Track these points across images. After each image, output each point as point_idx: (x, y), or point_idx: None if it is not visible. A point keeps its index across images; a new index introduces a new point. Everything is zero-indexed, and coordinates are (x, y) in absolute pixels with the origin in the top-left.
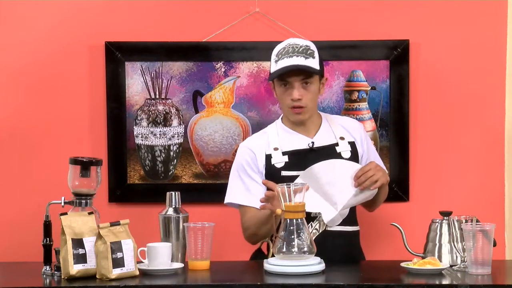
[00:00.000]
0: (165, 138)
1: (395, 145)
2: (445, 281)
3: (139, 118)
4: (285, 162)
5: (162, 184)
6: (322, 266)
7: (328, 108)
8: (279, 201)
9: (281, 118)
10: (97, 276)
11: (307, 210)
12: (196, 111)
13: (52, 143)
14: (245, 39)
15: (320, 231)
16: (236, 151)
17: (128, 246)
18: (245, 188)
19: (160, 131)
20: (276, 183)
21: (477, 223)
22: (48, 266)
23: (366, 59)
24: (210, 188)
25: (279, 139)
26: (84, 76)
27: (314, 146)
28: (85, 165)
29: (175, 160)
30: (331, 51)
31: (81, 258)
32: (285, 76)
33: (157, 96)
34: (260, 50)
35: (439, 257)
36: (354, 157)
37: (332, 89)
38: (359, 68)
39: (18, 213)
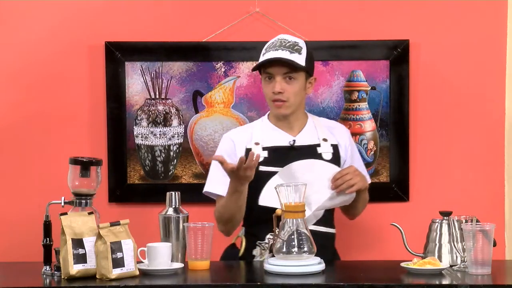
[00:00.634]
0: (165, 138)
1: (395, 145)
2: (445, 281)
3: (139, 118)
4: (264, 157)
5: (162, 184)
6: (322, 266)
7: (328, 108)
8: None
9: (267, 115)
10: (97, 276)
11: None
12: (196, 111)
13: (52, 143)
14: (245, 39)
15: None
16: None
17: (128, 246)
18: (222, 179)
19: (160, 131)
20: (254, 178)
21: (477, 223)
22: (48, 266)
23: (366, 59)
24: None
25: (261, 134)
26: (84, 76)
27: (295, 144)
28: (85, 165)
29: (175, 160)
30: (331, 51)
31: (81, 258)
32: (268, 67)
33: (157, 96)
34: (260, 50)
35: (439, 257)
36: (336, 160)
37: (332, 89)
38: (359, 68)
39: (18, 213)
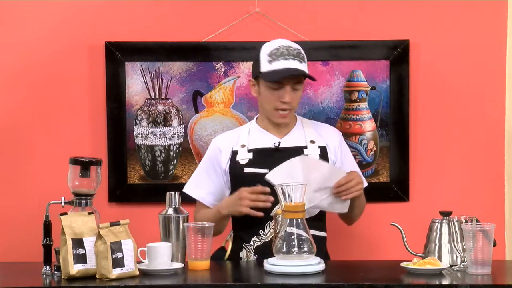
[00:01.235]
0: (165, 138)
1: (395, 145)
2: (445, 281)
3: (139, 118)
4: (249, 159)
5: (162, 184)
6: (322, 266)
7: (328, 108)
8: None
9: (256, 118)
10: (97, 276)
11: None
12: (196, 111)
13: (52, 143)
14: (245, 39)
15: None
16: None
17: (128, 246)
18: (201, 183)
19: (160, 131)
20: (239, 180)
21: (477, 223)
22: (48, 266)
23: (366, 59)
24: None
25: (248, 137)
26: (84, 76)
27: (280, 146)
28: (85, 165)
29: (175, 160)
30: (331, 51)
31: (81, 258)
32: (282, 78)
33: (157, 96)
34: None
35: (439, 257)
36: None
37: (332, 89)
38: (359, 68)
39: (18, 213)
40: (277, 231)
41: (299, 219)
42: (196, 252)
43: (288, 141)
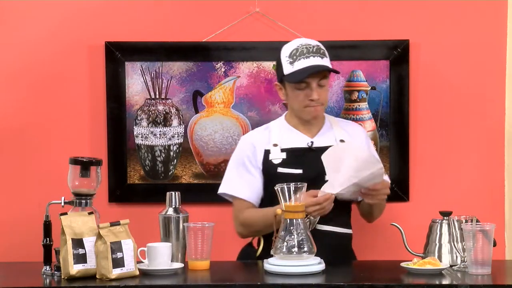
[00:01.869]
0: (165, 138)
1: (395, 145)
2: (445, 281)
3: (139, 118)
4: (283, 159)
5: (162, 184)
6: (322, 266)
7: (328, 108)
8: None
9: (285, 115)
10: (97, 276)
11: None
12: (196, 111)
13: (52, 143)
14: (245, 39)
15: (310, 229)
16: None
17: (128, 246)
18: (242, 181)
19: (160, 131)
20: (272, 180)
21: (477, 223)
22: (48, 266)
23: (366, 59)
24: (210, 188)
25: (280, 135)
26: (84, 76)
27: (313, 146)
28: (85, 165)
29: (175, 160)
30: (331, 51)
31: (81, 258)
32: (305, 77)
33: (157, 96)
34: (260, 50)
35: (439, 257)
36: None
37: (332, 89)
38: (359, 68)
39: (18, 213)
40: (277, 231)
41: (299, 219)
42: (196, 252)
43: (320, 141)
